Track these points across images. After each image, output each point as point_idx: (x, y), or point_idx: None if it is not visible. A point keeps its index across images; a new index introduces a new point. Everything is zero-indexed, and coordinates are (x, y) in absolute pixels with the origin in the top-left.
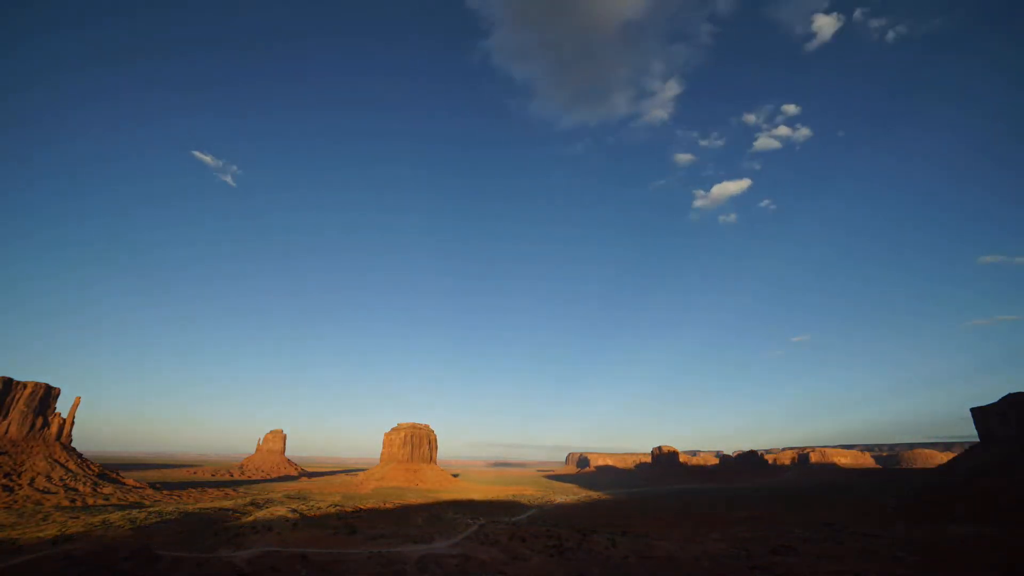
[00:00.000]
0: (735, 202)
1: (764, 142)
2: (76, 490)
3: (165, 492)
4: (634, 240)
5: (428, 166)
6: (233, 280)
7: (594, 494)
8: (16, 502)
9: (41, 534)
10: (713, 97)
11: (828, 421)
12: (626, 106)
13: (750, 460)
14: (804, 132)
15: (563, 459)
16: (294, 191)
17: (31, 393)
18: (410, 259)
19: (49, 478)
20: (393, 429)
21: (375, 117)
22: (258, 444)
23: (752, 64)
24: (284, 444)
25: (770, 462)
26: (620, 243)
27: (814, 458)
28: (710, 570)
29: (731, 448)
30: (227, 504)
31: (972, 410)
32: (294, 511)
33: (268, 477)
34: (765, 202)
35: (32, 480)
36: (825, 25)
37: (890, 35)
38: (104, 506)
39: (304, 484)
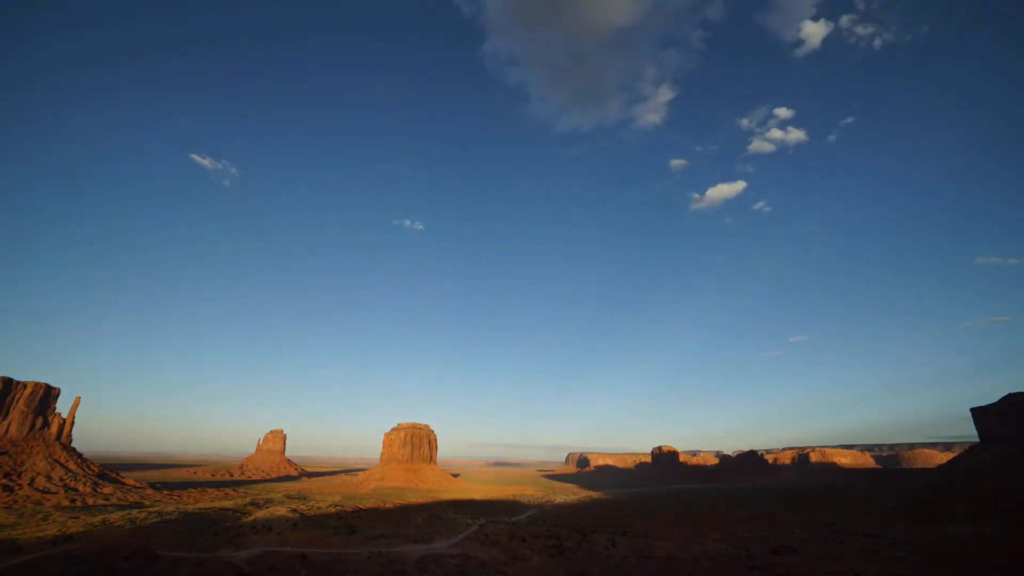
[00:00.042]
0: (730, 204)
1: (758, 145)
2: (76, 490)
3: (165, 492)
4: (633, 240)
5: (428, 166)
6: (233, 280)
7: (594, 494)
8: (16, 502)
9: (41, 534)
10: (706, 102)
11: (828, 421)
12: (620, 111)
13: (750, 460)
14: (797, 134)
15: (563, 459)
16: (294, 191)
17: (31, 393)
18: (410, 259)
19: (49, 478)
20: (393, 429)
21: (375, 117)
22: (258, 444)
23: (744, 69)
24: (284, 444)
25: (770, 462)
26: (620, 243)
27: (814, 458)
28: (710, 570)
29: (731, 448)
30: (227, 504)
31: (972, 410)
32: (294, 511)
33: (268, 477)
34: (760, 204)
35: (32, 480)
36: (813, 32)
37: (877, 42)
38: (104, 506)
39: (304, 484)
